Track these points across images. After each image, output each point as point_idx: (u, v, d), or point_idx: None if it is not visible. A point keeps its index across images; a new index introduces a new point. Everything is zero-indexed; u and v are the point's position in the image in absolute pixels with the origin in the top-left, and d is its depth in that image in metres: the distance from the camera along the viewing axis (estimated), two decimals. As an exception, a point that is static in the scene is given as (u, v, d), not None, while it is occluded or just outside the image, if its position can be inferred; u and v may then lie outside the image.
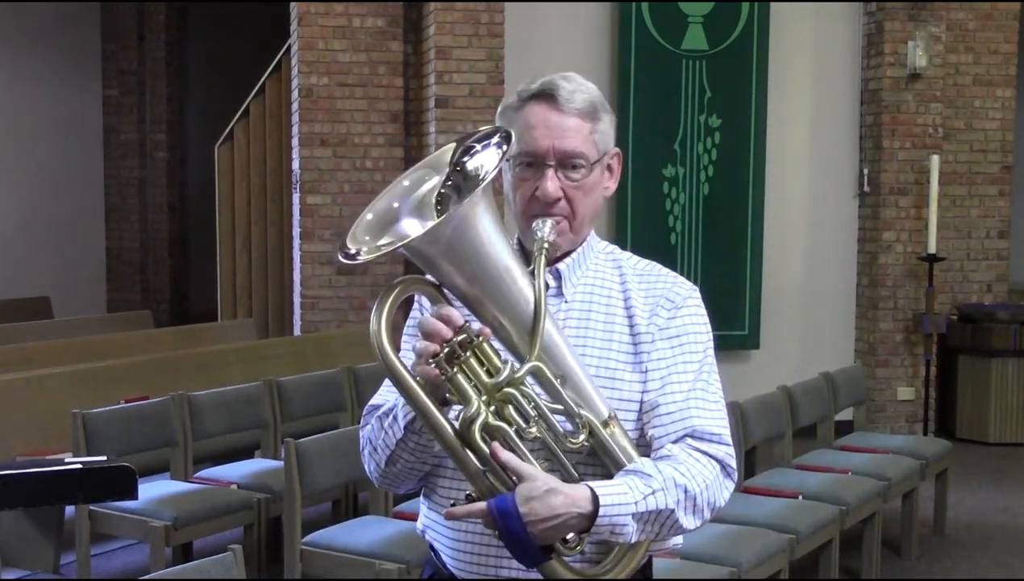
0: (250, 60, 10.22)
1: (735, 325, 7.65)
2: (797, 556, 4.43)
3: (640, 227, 7.28)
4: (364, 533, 4.14)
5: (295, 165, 7.62)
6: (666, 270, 2.01)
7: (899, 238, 7.93)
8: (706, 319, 1.98)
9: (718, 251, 7.76)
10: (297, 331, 7.56)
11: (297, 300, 7.58)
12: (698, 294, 1.99)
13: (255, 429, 5.53)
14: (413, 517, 4.23)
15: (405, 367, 1.74)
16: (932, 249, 7.75)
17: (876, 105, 7.93)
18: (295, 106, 7.61)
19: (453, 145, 1.84)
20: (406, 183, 1.82)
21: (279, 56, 8.32)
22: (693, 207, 7.74)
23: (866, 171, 8.00)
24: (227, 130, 8.80)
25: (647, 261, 2.03)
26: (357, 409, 5.95)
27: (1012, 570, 5.45)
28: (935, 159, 7.76)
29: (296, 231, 7.60)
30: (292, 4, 7.57)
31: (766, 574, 4.20)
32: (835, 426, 5.90)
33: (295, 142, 7.61)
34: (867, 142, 8.04)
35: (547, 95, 1.90)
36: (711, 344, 1.97)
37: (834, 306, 8.17)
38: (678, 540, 1.94)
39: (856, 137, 8.12)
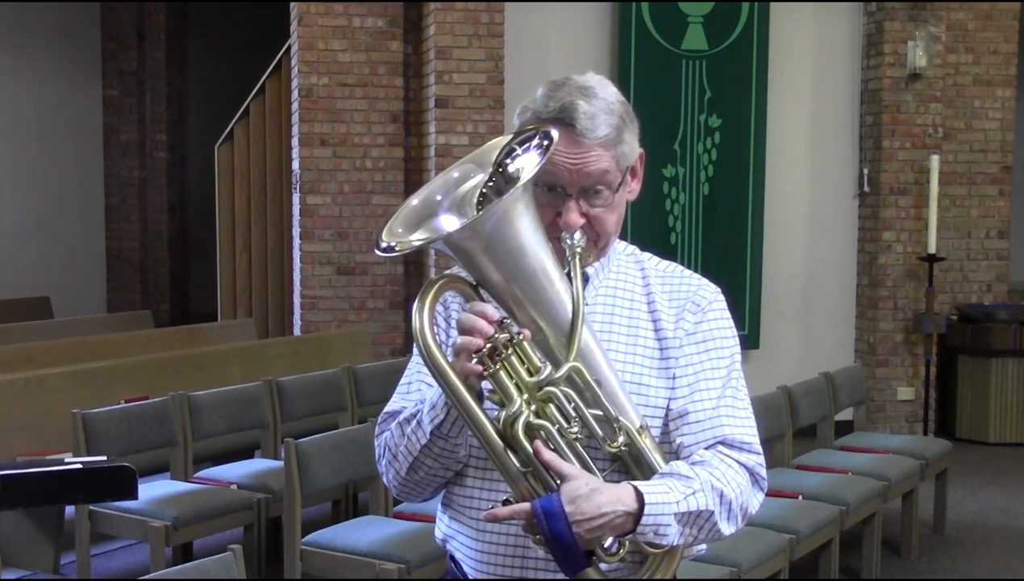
0: (250, 60, 10.23)
1: (735, 325, 7.66)
2: (797, 556, 4.43)
3: (640, 227, 7.27)
4: (364, 533, 4.14)
5: (295, 165, 7.62)
6: (689, 272, 1.98)
7: (899, 238, 7.93)
8: (732, 323, 1.96)
9: (718, 251, 7.76)
10: (297, 331, 7.56)
11: (297, 300, 7.58)
12: (723, 297, 1.97)
13: (255, 429, 5.53)
14: (413, 517, 4.24)
15: (450, 365, 1.72)
16: (932, 249, 7.75)
17: (876, 105, 7.93)
18: (295, 106, 7.61)
19: (502, 140, 1.82)
20: (455, 174, 1.80)
21: (279, 56, 8.32)
22: (693, 207, 7.74)
23: (866, 171, 8.00)
24: (227, 130, 8.80)
25: (668, 262, 2.00)
26: (357, 409, 5.95)
27: (1012, 570, 5.45)
28: (935, 159, 7.76)
29: (296, 231, 7.60)
30: (292, 4, 7.57)
31: (766, 574, 4.20)
32: (835, 426, 5.89)
33: (295, 142, 7.61)
34: (867, 142, 8.04)
35: (566, 122, 1.82)
36: (738, 348, 1.96)
37: (834, 306, 8.17)
38: (702, 546, 1.92)
39: (856, 137, 8.12)
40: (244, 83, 9.16)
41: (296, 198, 7.60)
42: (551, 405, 1.73)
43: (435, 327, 1.78)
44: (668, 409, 1.88)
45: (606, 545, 1.73)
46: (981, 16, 8.34)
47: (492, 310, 1.74)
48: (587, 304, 1.85)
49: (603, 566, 1.76)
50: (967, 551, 5.72)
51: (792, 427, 5.44)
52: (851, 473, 5.19)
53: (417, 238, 1.75)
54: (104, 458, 3.08)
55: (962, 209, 8.39)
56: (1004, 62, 8.40)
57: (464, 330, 1.73)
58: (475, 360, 1.70)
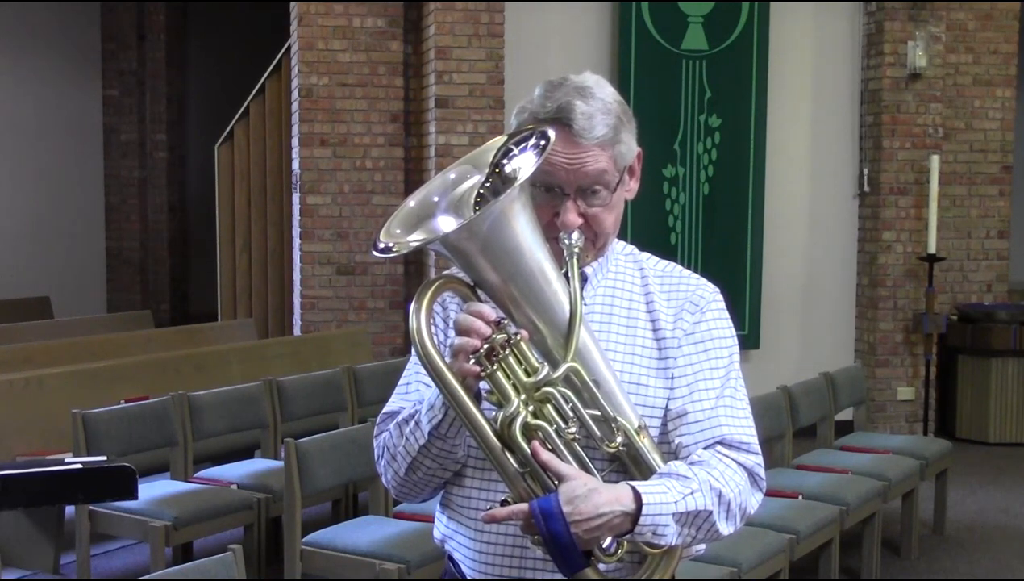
0: (250, 60, 10.23)
1: (735, 325, 7.66)
2: (797, 556, 4.43)
3: (640, 227, 7.28)
4: (364, 533, 4.14)
5: (295, 165, 7.62)
6: (687, 271, 1.97)
7: (899, 238, 7.93)
8: (730, 322, 1.95)
9: (718, 251, 7.76)
10: (297, 331, 7.56)
11: (297, 300, 7.59)
12: (721, 297, 1.96)
13: (255, 429, 5.53)
14: (413, 517, 4.24)
15: (447, 365, 1.71)
16: (932, 249, 7.75)
17: (876, 105, 7.93)
18: (295, 106, 7.61)
19: (499, 141, 1.81)
20: (452, 176, 1.80)
21: (279, 56, 8.32)
22: (693, 207, 7.74)
23: (866, 171, 8.00)
24: (227, 130, 8.80)
25: (667, 262, 1.99)
26: (357, 409, 5.95)
27: (1012, 570, 5.45)
28: (935, 159, 7.76)
29: (296, 231, 7.60)
30: (292, 4, 7.57)
31: (766, 574, 4.20)
32: (835, 426, 5.90)
33: (295, 142, 7.61)
34: (867, 142, 8.04)
35: (563, 123, 1.82)
36: (736, 348, 1.95)
37: (834, 306, 8.17)
38: (701, 546, 1.91)
39: (856, 137, 8.12)
40: (244, 83, 9.16)
41: (296, 198, 7.60)
42: (549, 405, 1.73)
43: (433, 328, 1.78)
44: (667, 409, 1.87)
45: (604, 545, 1.73)
46: (981, 16, 8.34)
47: (489, 311, 1.74)
48: (585, 304, 1.84)
49: (601, 566, 1.76)
50: (967, 551, 5.72)
51: (792, 427, 5.44)
52: (851, 473, 5.19)
53: (414, 239, 1.75)
54: (104, 458, 3.07)
55: (962, 209, 8.39)
56: (1004, 62, 8.40)
57: (461, 331, 1.72)
58: (472, 361, 1.70)
